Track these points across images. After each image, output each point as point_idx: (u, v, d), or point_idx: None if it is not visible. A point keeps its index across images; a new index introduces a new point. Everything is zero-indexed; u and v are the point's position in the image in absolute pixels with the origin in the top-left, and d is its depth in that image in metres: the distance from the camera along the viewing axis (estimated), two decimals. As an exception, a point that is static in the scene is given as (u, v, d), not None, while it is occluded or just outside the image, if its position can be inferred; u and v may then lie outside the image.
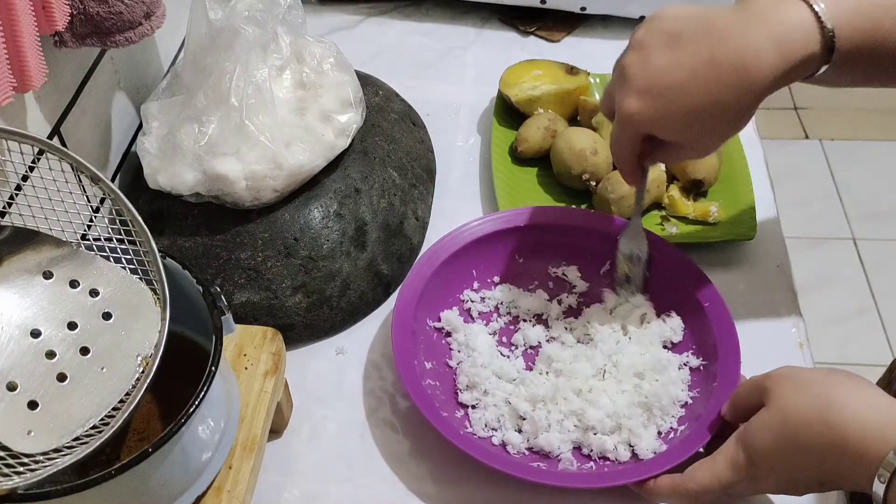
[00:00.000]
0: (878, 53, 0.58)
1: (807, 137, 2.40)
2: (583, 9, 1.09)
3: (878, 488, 0.51)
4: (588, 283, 0.78)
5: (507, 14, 1.13)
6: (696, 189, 0.84)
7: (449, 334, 0.74)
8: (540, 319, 0.76)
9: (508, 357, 0.72)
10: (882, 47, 0.58)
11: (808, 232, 2.12)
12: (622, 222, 0.78)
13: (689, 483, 0.60)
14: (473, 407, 0.69)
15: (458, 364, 0.72)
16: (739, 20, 0.58)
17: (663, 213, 0.84)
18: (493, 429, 0.68)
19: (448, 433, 0.64)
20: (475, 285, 0.78)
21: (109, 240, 0.56)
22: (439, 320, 0.75)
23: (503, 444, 0.67)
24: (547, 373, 0.70)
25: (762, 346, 0.73)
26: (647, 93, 0.60)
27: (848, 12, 0.57)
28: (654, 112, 0.60)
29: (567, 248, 0.79)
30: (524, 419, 0.67)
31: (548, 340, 0.74)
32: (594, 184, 0.84)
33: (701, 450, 0.63)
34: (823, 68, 0.58)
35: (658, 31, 0.60)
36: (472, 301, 0.76)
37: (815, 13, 0.57)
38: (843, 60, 0.58)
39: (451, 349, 0.73)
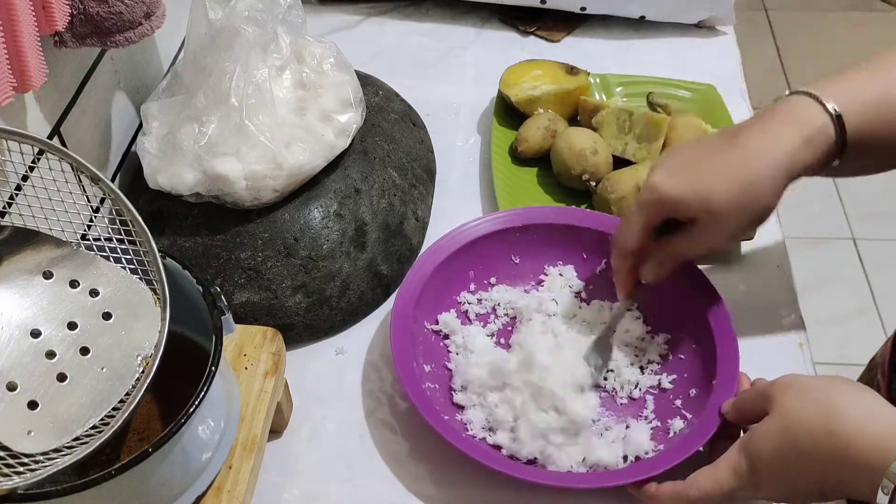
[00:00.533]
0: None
1: (807, 137, 2.40)
2: (583, 9, 1.09)
3: (882, 499, 0.50)
4: (585, 283, 0.78)
5: (507, 14, 1.13)
6: None
7: (447, 336, 0.74)
8: (538, 319, 0.76)
9: (506, 358, 0.72)
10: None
11: (808, 232, 2.12)
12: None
13: (690, 490, 0.59)
14: (467, 408, 0.69)
15: (455, 366, 0.72)
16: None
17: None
18: (488, 430, 0.68)
19: (446, 434, 0.64)
20: (472, 287, 0.77)
21: (109, 240, 0.56)
22: (437, 323, 0.75)
23: (500, 447, 0.67)
24: (540, 374, 0.71)
25: (762, 347, 0.73)
26: (672, 169, 0.63)
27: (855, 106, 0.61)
28: (682, 185, 0.62)
29: (565, 247, 0.79)
30: (517, 420, 0.67)
31: (545, 338, 0.74)
32: (594, 184, 0.84)
33: (700, 448, 0.63)
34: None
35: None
36: (470, 303, 0.76)
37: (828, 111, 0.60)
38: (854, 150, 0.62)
39: (449, 352, 0.73)
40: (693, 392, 0.68)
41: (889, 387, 0.74)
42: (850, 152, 0.61)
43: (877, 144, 0.62)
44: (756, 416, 0.59)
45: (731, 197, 0.61)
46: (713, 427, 0.63)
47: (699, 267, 0.74)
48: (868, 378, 0.84)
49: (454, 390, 0.70)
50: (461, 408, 0.70)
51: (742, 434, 0.62)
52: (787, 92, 0.63)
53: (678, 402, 0.68)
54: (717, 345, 0.68)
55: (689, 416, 0.67)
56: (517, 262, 0.79)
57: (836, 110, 0.60)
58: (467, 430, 0.68)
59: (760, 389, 0.60)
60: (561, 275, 0.78)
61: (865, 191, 2.23)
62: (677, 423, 0.67)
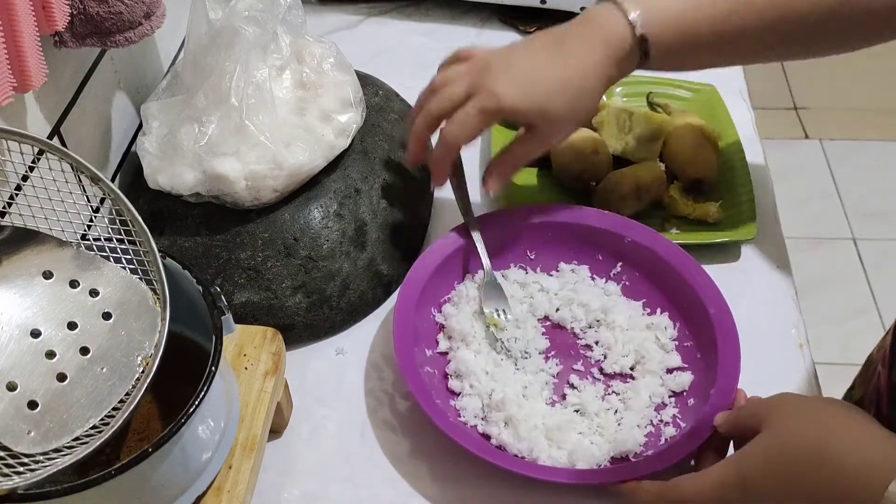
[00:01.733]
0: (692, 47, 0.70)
1: (807, 137, 2.40)
2: (582, 9, 1.08)
3: None
4: (583, 282, 0.78)
5: (507, 14, 1.13)
6: (696, 189, 0.84)
7: (445, 325, 0.75)
8: (536, 316, 0.76)
9: (504, 353, 0.73)
10: (694, 42, 0.69)
11: (808, 232, 2.12)
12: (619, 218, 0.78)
13: (670, 492, 0.59)
14: (461, 394, 0.70)
15: (450, 351, 0.73)
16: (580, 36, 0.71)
17: (664, 213, 0.84)
18: (481, 418, 0.68)
19: (446, 427, 0.64)
20: (475, 279, 0.78)
21: (109, 240, 0.56)
22: (441, 311, 0.75)
23: (490, 436, 0.67)
24: (539, 371, 0.71)
25: (762, 347, 0.73)
26: (513, 81, 0.69)
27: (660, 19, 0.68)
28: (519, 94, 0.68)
29: (571, 242, 0.79)
30: (508, 412, 0.67)
31: (543, 334, 0.75)
32: (594, 184, 0.84)
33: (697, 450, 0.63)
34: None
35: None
36: (471, 295, 0.76)
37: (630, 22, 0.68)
38: (660, 58, 0.70)
39: (449, 338, 0.73)
40: (691, 402, 0.68)
41: (889, 377, 0.74)
42: (657, 57, 0.69)
43: (683, 51, 0.70)
44: (749, 432, 0.58)
45: (565, 108, 0.69)
46: (705, 435, 0.63)
47: (702, 268, 0.74)
48: (866, 373, 0.84)
49: (450, 376, 0.71)
50: (456, 394, 0.70)
51: (732, 449, 0.62)
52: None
53: (675, 411, 0.69)
54: (720, 358, 0.68)
55: (682, 424, 0.67)
56: (532, 256, 0.80)
57: (636, 23, 0.68)
58: (460, 417, 0.68)
59: (755, 406, 0.60)
60: (573, 272, 0.79)
61: (865, 191, 2.24)
62: (669, 430, 0.67)
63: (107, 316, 0.54)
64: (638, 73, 0.99)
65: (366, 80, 0.88)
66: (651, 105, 0.95)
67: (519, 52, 0.72)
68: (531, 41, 0.73)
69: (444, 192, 0.88)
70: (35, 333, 0.52)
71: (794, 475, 0.54)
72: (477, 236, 0.77)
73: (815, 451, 0.54)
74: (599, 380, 0.72)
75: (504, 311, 0.74)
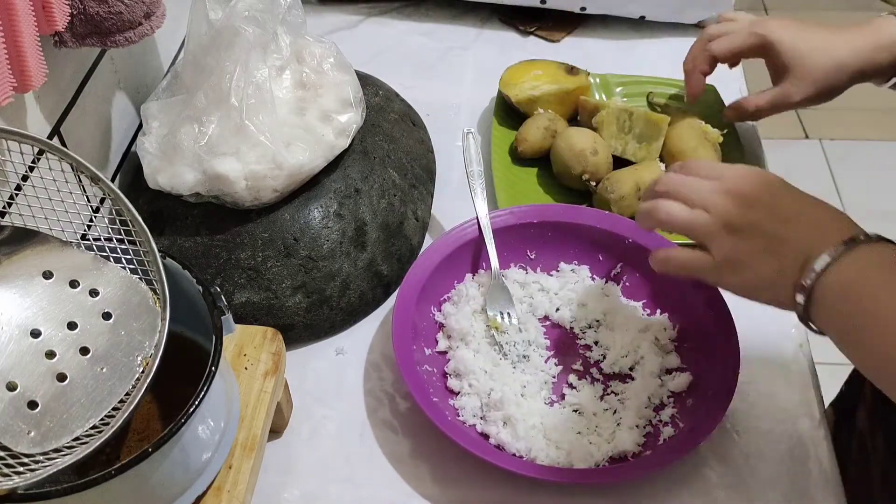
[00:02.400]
0: None
1: (807, 137, 2.40)
2: (583, 9, 1.09)
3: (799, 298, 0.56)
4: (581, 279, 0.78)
5: (507, 14, 1.13)
6: None
7: (445, 324, 0.75)
8: (536, 316, 0.76)
9: (502, 352, 0.73)
10: None
11: (808, 232, 2.12)
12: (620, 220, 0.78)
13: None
14: (460, 394, 0.70)
15: (449, 350, 0.73)
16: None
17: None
18: (480, 417, 0.68)
19: (444, 426, 0.64)
20: (474, 278, 0.78)
21: (109, 240, 0.56)
22: (440, 310, 0.76)
23: (488, 435, 0.67)
24: (538, 371, 0.71)
25: (762, 347, 0.73)
26: (788, 26, 0.83)
27: None
28: None
29: (572, 242, 0.79)
30: (506, 411, 0.68)
31: (544, 335, 0.75)
32: (594, 184, 0.84)
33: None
34: None
35: None
36: (471, 294, 0.77)
37: None
38: None
39: (449, 337, 0.73)
40: (689, 402, 0.68)
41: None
42: None
43: None
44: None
45: (821, 62, 0.79)
46: (704, 436, 0.64)
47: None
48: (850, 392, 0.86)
49: (448, 375, 0.71)
50: (455, 393, 0.70)
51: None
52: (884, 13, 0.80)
53: (673, 411, 0.69)
54: (719, 359, 0.68)
55: (681, 425, 0.67)
56: (532, 256, 0.80)
57: None
58: (458, 416, 0.68)
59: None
60: (574, 271, 0.79)
61: (865, 191, 2.24)
62: (668, 431, 0.67)
63: (107, 316, 0.54)
64: (638, 72, 1.00)
65: (366, 80, 0.88)
66: (651, 105, 0.95)
67: (795, 20, 0.83)
68: (812, 21, 0.84)
69: (445, 192, 0.89)
70: (35, 333, 0.52)
71: (772, 193, 0.60)
72: (489, 237, 0.77)
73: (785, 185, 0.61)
74: (598, 380, 0.72)
75: (509, 313, 0.74)
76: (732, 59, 0.86)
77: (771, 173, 0.61)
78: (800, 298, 0.56)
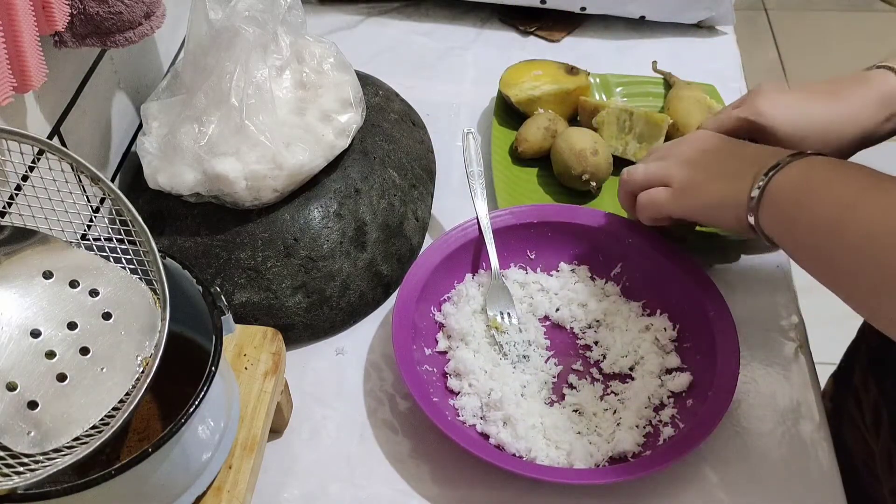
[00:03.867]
0: None
1: (807, 137, 2.40)
2: (583, 9, 1.09)
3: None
4: (581, 279, 0.78)
5: (507, 14, 1.13)
6: None
7: (445, 324, 0.75)
8: (536, 316, 0.76)
9: (502, 352, 0.73)
10: None
11: (808, 232, 2.12)
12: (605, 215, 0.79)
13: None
14: (460, 394, 0.70)
15: (449, 350, 0.73)
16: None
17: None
18: (480, 417, 0.68)
19: (444, 426, 0.64)
20: (474, 278, 0.78)
21: (109, 240, 0.56)
22: (440, 310, 0.76)
23: (495, 442, 0.67)
24: (538, 371, 0.72)
25: (762, 347, 0.73)
26: (784, 105, 0.73)
27: None
28: None
29: (572, 242, 0.79)
30: (506, 411, 0.68)
31: (545, 335, 0.75)
32: (594, 184, 0.84)
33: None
34: None
35: None
36: (471, 294, 0.77)
37: None
38: None
39: (449, 337, 0.74)
40: (689, 403, 0.68)
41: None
42: None
43: None
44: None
45: (820, 147, 0.69)
46: (704, 437, 0.64)
47: (701, 269, 0.74)
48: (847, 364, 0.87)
49: (448, 375, 0.71)
50: (455, 393, 0.70)
51: None
52: (873, 65, 0.72)
53: (673, 412, 0.69)
54: (719, 360, 0.68)
55: (681, 425, 0.67)
56: (532, 256, 0.80)
57: None
58: (458, 416, 0.68)
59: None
60: (574, 272, 0.79)
61: (865, 191, 2.23)
62: (668, 431, 0.67)
63: (107, 316, 0.54)
64: (638, 72, 1.00)
65: (366, 80, 0.88)
66: (657, 72, 0.98)
67: (790, 90, 0.74)
68: (802, 87, 0.74)
69: (445, 192, 0.89)
70: (35, 333, 0.52)
71: (727, 140, 0.69)
72: (489, 238, 0.77)
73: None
74: (598, 380, 0.72)
75: (509, 313, 0.74)
76: None
77: None
78: (751, 208, 0.62)
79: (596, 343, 0.74)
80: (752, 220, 0.63)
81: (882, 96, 0.70)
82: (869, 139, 0.72)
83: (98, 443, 0.48)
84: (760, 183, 0.61)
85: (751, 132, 0.72)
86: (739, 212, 0.63)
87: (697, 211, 0.67)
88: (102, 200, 0.78)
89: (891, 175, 0.56)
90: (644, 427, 0.67)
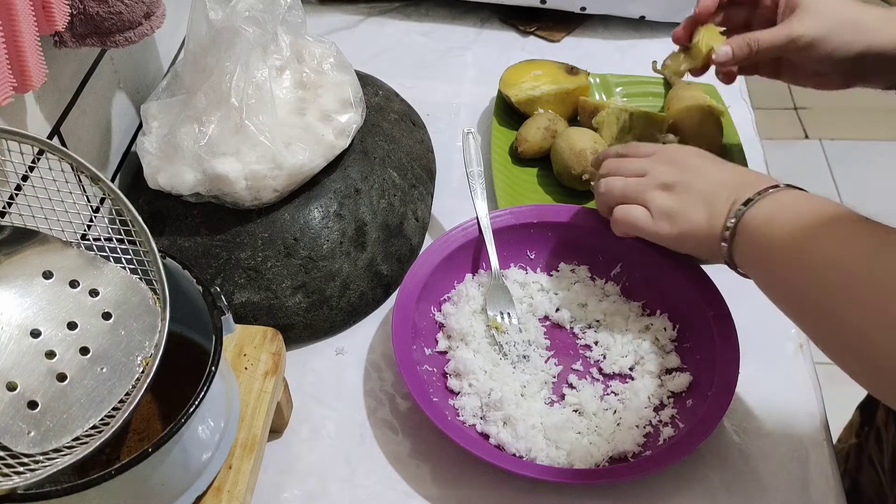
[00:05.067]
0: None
1: (807, 137, 2.40)
2: (583, 9, 1.09)
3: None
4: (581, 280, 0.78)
5: (507, 14, 1.13)
6: None
7: (445, 324, 0.75)
8: (536, 316, 0.76)
9: (502, 352, 0.73)
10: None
11: (807, 232, 2.12)
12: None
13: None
14: (460, 394, 0.70)
15: (449, 350, 0.73)
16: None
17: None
18: (480, 417, 0.68)
19: (443, 425, 0.64)
20: (474, 278, 0.78)
21: (109, 240, 0.56)
22: (440, 310, 0.76)
23: (495, 442, 0.67)
24: (538, 371, 0.72)
25: (762, 347, 0.73)
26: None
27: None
28: None
29: (572, 242, 0.79)
30: (506, 411, 0.68)
31: (545, 336, 0.75)
32: (594, 184, 0.84)
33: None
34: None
35: None
36: (471, 294, 0.77)
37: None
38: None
39: (449, 337, 0.74)
40: (689, 403, 0.68)
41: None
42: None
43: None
44: None
45: (837, 8, 0.70)
46: (704, 437, 0.63)
47: (701, 268, 0.74)
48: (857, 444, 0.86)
49: (449, 375, 0.71)
50: (455, 393, 0.70)
51: None
52: None
53: (673, 412, 0.69)
54: (719, 360, 0.68)
55: (681, 425, 0.67)
56: (532, 256, 0.80)
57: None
58: (458, 416, 0.68)
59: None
60: (573, 272, 0.79)
61: (865, 191, 2.24)
62: (668, 431, 0.67)
63: (107, 316, 0.54)
64: (638, 72, 1.00)
65: (366, 80, 0.88)
66: (657, 72, 0.97)
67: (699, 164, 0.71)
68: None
69: (445, 192, 0.89)
70: (35, 333, 0.52)
71: (703, 159, 0.69)
72: (489, 238, 0.77)
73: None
74: (598, 380, 0.72)
75: (509, 313, 0.74)
76: None
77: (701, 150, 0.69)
78: (725, 240, 0.63)
79: (596, 343, 0.74)
80: (724, 252, 0.63)
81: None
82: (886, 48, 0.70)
83: (98, 443, 0.48)
84: (734, 217, 0.62)
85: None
86: (712, 244, 0.64)
87: (672, 239, 0.68)
88: (102, 200, 0.78)
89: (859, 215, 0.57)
90: (644, 427, 0.67)
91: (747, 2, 0.77)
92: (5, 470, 0.47)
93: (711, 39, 0.77)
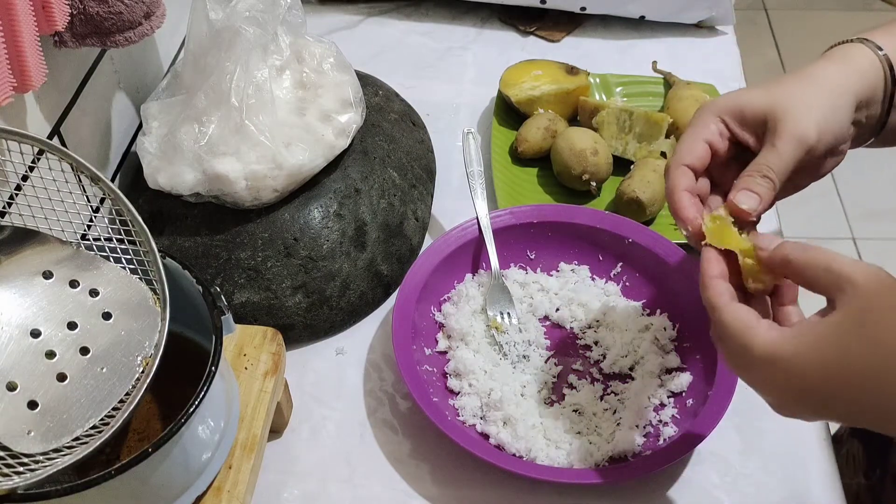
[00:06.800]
0: None
1: (807, 137, 2.40)
2: (583, 9, 1.09)
3: None
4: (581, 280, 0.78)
5: (507, 14, 1.13)
6: None
7: (445, 324, 0.75)
8: (536, 316, 0.76)
9: (502, 352, 0.73)
10: None
11: (807, 231, 2.12)
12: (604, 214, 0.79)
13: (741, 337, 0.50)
14: (460, 394, 0.70)
15: (449, 350, 0.73)
16: None
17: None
18: (480, 417, 0.68)
19: (443, 425, 0.64)
20: (474, 278, 0.78)
21: (109, 240, 0.56)
22: (440, 310, 0.76)
23: (495, 442, 0.67)
24: (538, 371, 0.72)
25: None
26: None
27: None
28: None
29: (572, 242, 0.79)
30: (506, 411, 0.68)
31: (545, 336, 0.75)
32: (594, 184, 0.84)
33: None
34: None
35: None
36: (471, 294, 0.77)
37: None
38: None
39: (449, 337, 0.74)
40: (689, 402, 0.69)
41: None
42: None
43: None
44: (809, 286, 0.49)
45: (807, 90, 0.56)
46: (704, 436, 0.63)
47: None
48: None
49: (448, 375, 0.71)
50: (455, 393, 0.70)
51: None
52: (842, 41, 0.60)
53: (673, 412, 0.69)
54: (719, 359, 0.68)
55: (681, 425, 0.67)
56: (532, 256, 0.80)
57: (885, 56, 0.58)
58: (458, 416, 0.68)
59: (834, 266, 0.47)
60: (573, 271, 0.79)
61: (865, 190, 2.24)
62: (668, 431, 0.67)
63: (107, 316, 0.54)
64: (638, 72, 1.00)
65: (366, 80, 0.88)
66: (657, 72, 0.98)
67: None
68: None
69: (445, 192, 0.89)
70: (35, 333, 0.52)
71: (878, 377, 0.45)
72: (489, 238, 0.77)
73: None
74: (598, 380, 0.72)
75: (509, 313, 0.74)
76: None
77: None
78: None
79: (596, 343, 0.74)
80: None
81: (858, 64, 0.58)
82: (864, 96, 0.58)
83: (98, 443, 0.48)
84: None
85: (735, 116, 0.57)
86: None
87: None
88: (102, 200, 0.78)
89: None
90: (644, 427, 0.67)
91: (703, 169, 0.59)
92: (5, 470, 0.47)
93: (724, 235, 0.56)
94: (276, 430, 0.69)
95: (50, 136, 0.70)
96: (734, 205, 0.55)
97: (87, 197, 0.74)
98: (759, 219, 0.56)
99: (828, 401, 0.47)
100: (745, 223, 0.56)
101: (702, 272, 0.54)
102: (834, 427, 0.75)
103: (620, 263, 0.78)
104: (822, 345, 0.46)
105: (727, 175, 0.59)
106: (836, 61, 0.59)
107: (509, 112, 0.94)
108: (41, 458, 0.48)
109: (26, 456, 0.48)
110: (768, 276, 0.53)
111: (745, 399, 0.70)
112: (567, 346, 0.74)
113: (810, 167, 0.58)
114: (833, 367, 0.45)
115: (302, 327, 0.74)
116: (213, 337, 0.54)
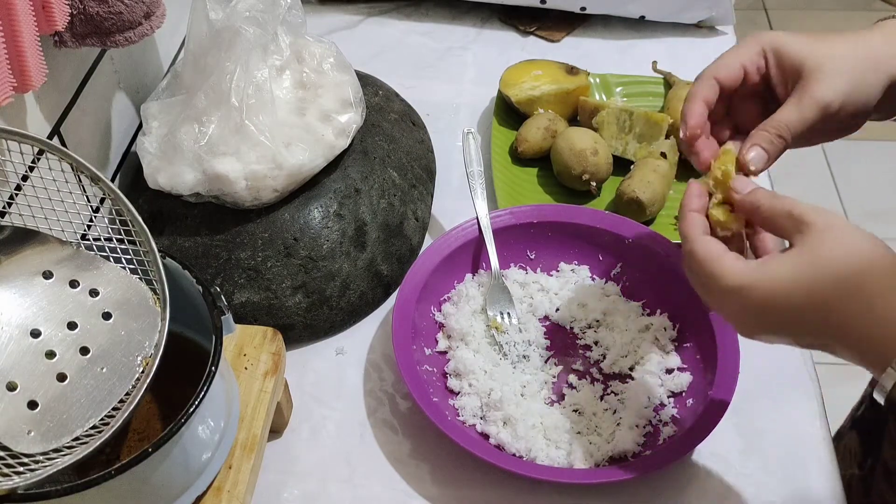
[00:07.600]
0: None
1: (807, 137, 2.40)
2: (583, 9, 1.09)
3: (888, 380, 0.48)
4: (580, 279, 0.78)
5: (507, 14, 1.13)
6: None
7: (445, 324, 0.75)
8: (536, 316, 0.76)
9: (502, 352, 0.73)
10: None
11: (808, 232, 2.12)
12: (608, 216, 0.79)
13: (710, 266, 0.53)
14: (460, 393, 0.70)
15: (449, 350, 0.73)
16: None
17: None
18: (480, 417, 0.68)
19: (443, 425, 0.64)
20: (474, 278, 0.78)
21: (109, 240, 0.56)
22: (440, 310, 0.76)
23: (495, 442, 0.67)
24: (538, 371, 0.72)
25: (762, 347, 0.73)
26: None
27: None
28: None
29: (572, 242, 0.79)
30: (506, 411, 0.68)
31: (545, 336, 0.75)
32: (594, 184, 0.84)
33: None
34: None
35: None
36: (471, 294, 0.77)
37: None
38: None
39: (449, 337, 0.74)
40: (689, 402, 0.69)
41: None
42: None
43: None
44: (774, 231, 0.54)
45: (846, 55, 0.58)
46: (704, 436, 0.63)
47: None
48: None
49: (448, 375, 0.71)
50: (455, 393, 0.70)
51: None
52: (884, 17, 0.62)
53: (674, 411, 0.69)
54: (719, 359, 0.68)
55: (681, 425, 0.67)
56: (532, 256, 0.80)
57: None
58: (458, 416, 0.68)
59: (794, 212, 0.52)
60: (573, 271, 0.79)
61: (865, 191, 2.24)
62: (668, 431, 0.67)
63: (107, 316, 0.54)
64: (638, 72, 1.00)
65: (366, 80, 0.88)
66: (657, 72, 0.98)
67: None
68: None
69: (445, 192, 0.88)
70: (35, 333, 0.52)
71: (824, 300, 0.50)
72: (489, 238, 0.77)
73: (854, 281, 0.49)
74: (598, 380, 0.72)
75: (509, 313, 0.74)
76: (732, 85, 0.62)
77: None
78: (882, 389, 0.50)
79: (596, 343, 0.74)
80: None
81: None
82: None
83: (98, 443, 0.48)
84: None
85: (764, 79, 0.59)
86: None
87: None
88: (102, 200, 0.78)
89: None
90: (644, 427, 0.67)
91: (730, 90, 0.62)
92: (5, 470, 0.47)
93: (724, 162, 0.59)
94: (276, 430, 0.69)
95: (50, 136, 0.70)
96: (742, 157, 0.58)
97: (87, 197, 0.74)
98: (757, 174, 0.59)
99: (783, 323, 0.52)
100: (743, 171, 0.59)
101: (682, 203, 0.58)
102: (834, 426, 0.75)
103: (620, 263, 0.78)
104: (778, 275, 0.51)
105: (742, 108, 0.63)
106: (887, 34, 0.60)
107: (509, 112, 0.94)
108: (41, 458, 0.48)
109: (26, 456, 0.48)
110: (735, 224, 0.57)
111: (745, 399, 0.71)
112: (567, 346, 0.74)
113: (827, 130, 0.61)
114: (785, 294, 0.51)
115: (302, 327, 0.74)
116: (213, 337, 0.54)
